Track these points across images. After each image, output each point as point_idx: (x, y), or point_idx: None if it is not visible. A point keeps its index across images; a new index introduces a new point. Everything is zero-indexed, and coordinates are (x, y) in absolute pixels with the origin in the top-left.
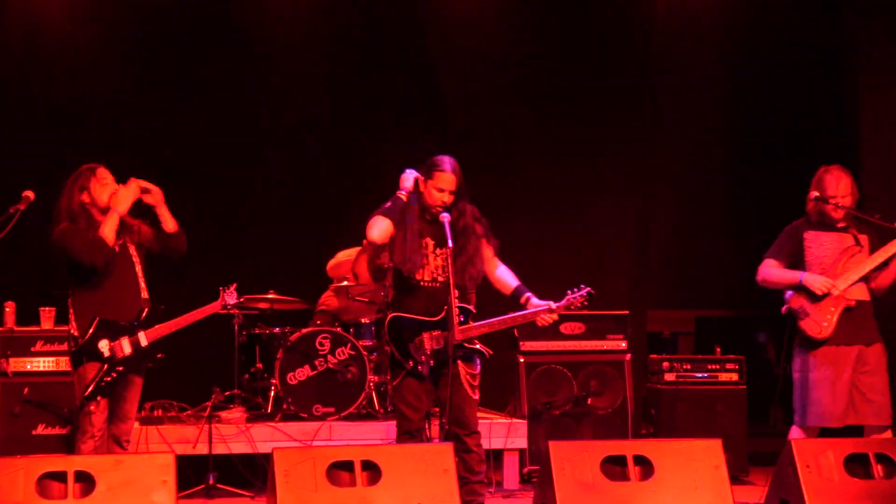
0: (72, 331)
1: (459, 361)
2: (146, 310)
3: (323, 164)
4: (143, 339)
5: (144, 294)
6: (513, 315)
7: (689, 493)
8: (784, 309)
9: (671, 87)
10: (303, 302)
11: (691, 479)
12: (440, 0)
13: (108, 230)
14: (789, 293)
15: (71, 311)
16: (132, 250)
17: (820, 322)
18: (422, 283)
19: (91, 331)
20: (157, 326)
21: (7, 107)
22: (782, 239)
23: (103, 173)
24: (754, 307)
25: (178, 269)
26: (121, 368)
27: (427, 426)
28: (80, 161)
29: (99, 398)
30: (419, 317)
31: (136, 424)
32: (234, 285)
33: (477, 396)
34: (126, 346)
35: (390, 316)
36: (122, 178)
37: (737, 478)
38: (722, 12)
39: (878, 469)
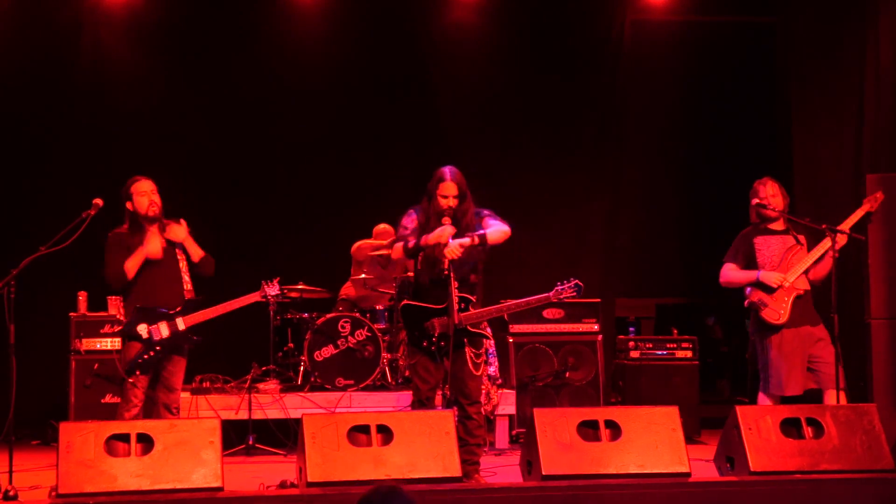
0: (118, 316)
1: (466, 342)
2: (186, 300)
3: (343, 176)
4: (180, 323)
5: (188, 286)
6: (508, 304)
7: (651, 451)
8: (746, 303)
9: (636, 111)
10: (327, 291)
11: (653, 439)
12: (441, 37)
13: (132, 265)
14: (749, 290)
15: (122, 299)
16: (178, 251)
17: (777, 310)
18: (432, 278)
19: (130, 317)
20: (194, 313)
21: (82, 126)
22: (736, 245)
23: (140, 185)
24: (705, 296)
25: (224, 265)
26: (158, 349)
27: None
28: (136, 171)
29: (138, 373)
30: (429, 304)
31: (188, 394)
32: (278, 279)
33: (479, 373)
34: (164, 330)
35: (403, 303)
36: (171, 187)
37: (690, 438)
38: (677, 47)
39: (808, 430)
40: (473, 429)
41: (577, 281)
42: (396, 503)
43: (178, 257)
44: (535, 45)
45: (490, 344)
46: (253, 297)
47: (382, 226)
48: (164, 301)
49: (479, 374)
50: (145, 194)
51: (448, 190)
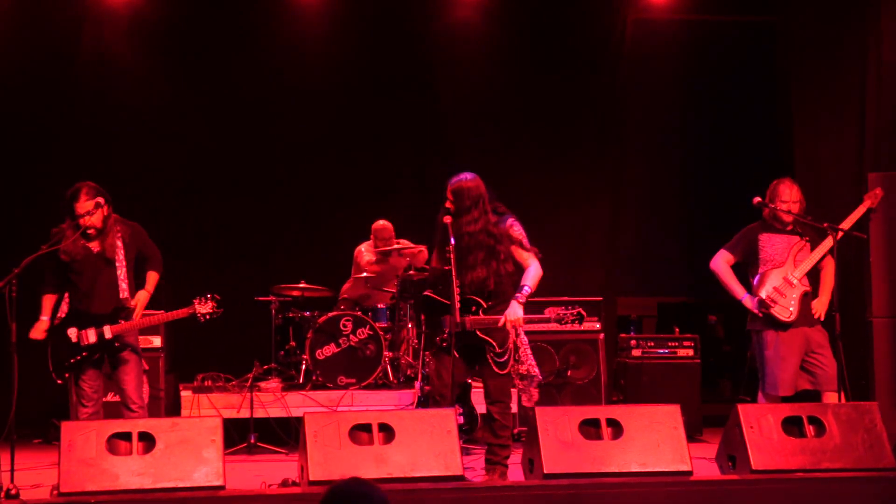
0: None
1: (486, 346)
2: (115, 307)
3: (343, 176)
4: (107, 331)
5: (124, 294)
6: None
7: (652, 449)
8: (755, 302)
9: (636, 110)
10: (329, 290)
11: (654, 438)
12: (442, 37)
13: None
14: (756, 286)
15: (56, 298)
16: (118, 253)
17: (787, 307)
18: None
19: (62, 317)
20: (122, 323)
21: (82, 126)
22: (739, 237)
23: (78, 206)
24: (707, 295)
25: (225, 265)
26: (85, 353)
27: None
28: (136, 171)
29: (67, 375)
30: (443, 300)
31: (189, 392)
32: (214, 296)
33: (504, 372)
34: (91, 336)
35: (424, 293)
36: (171, 187)
37: (692, 437)
38: (678, 47)
39: (809, 429)
40: (497, 429)
41: (580, 310)
42: (364, 491)
43: (117, 264)
44: (535, 45)
45: (520, 342)
46: (183, 313)
47: (382, 222)
48: (97, 306)
49: (504, 373)
50: (84, 207)
51: (449, 194)
